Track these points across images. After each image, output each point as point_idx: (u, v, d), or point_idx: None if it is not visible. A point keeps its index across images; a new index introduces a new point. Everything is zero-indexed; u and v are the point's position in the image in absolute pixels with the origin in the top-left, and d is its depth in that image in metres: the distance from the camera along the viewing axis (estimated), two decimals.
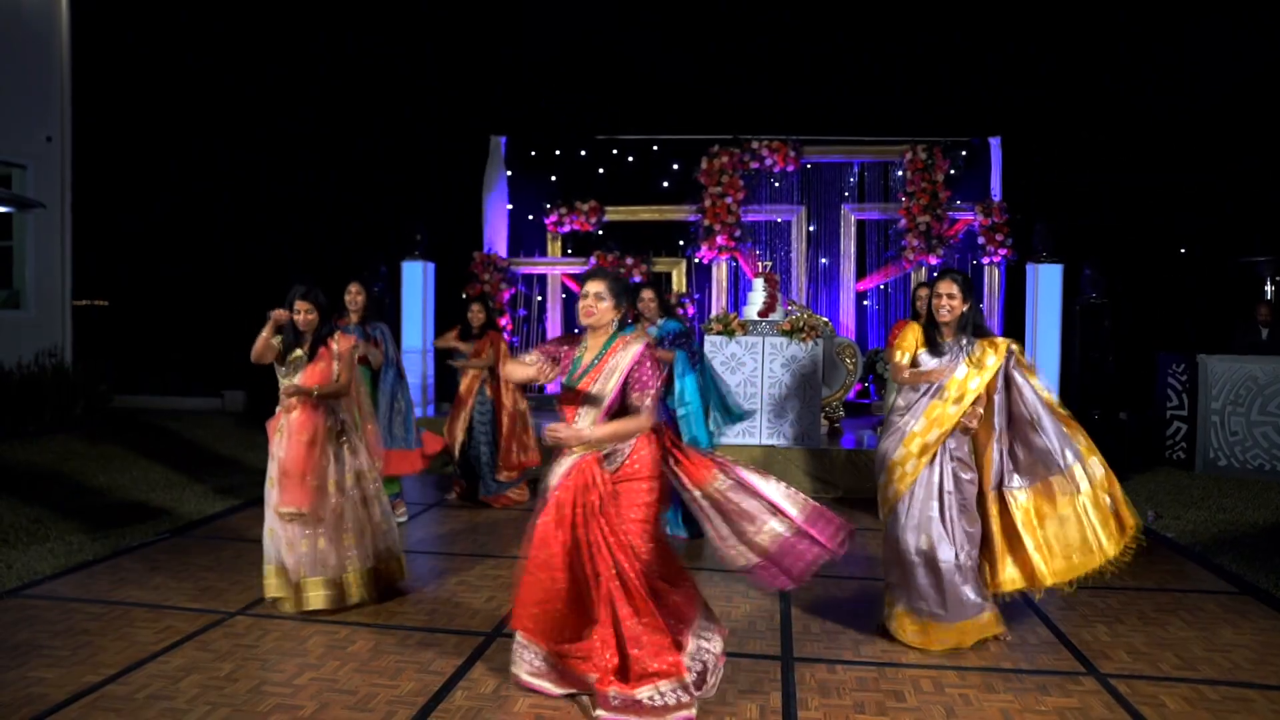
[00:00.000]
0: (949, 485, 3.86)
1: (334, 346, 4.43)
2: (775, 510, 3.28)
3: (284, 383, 4.40)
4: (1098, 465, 3.81)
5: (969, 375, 3.86)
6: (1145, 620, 4.34)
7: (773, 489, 3.31)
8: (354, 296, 5.92)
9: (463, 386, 6.81)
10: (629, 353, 3.29)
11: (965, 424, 3.85)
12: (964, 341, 3.93)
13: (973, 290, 3.97)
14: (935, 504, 3.85)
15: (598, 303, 3.31)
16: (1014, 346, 3.92)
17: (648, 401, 3.25)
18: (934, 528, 3.83)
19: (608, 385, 3.26)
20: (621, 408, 3.28)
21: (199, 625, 4.10)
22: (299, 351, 4.40)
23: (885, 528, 4.03)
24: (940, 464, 3.87)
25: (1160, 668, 3.76)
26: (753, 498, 3.29)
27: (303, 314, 4.37)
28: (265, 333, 4.26)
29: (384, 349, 6.02)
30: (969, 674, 3.67)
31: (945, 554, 3.80)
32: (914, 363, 4.00)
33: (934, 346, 3.97)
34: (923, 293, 6.22)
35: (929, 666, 3.75)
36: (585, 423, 3.27)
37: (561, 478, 3.32)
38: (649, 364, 3.28)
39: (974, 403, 3.86)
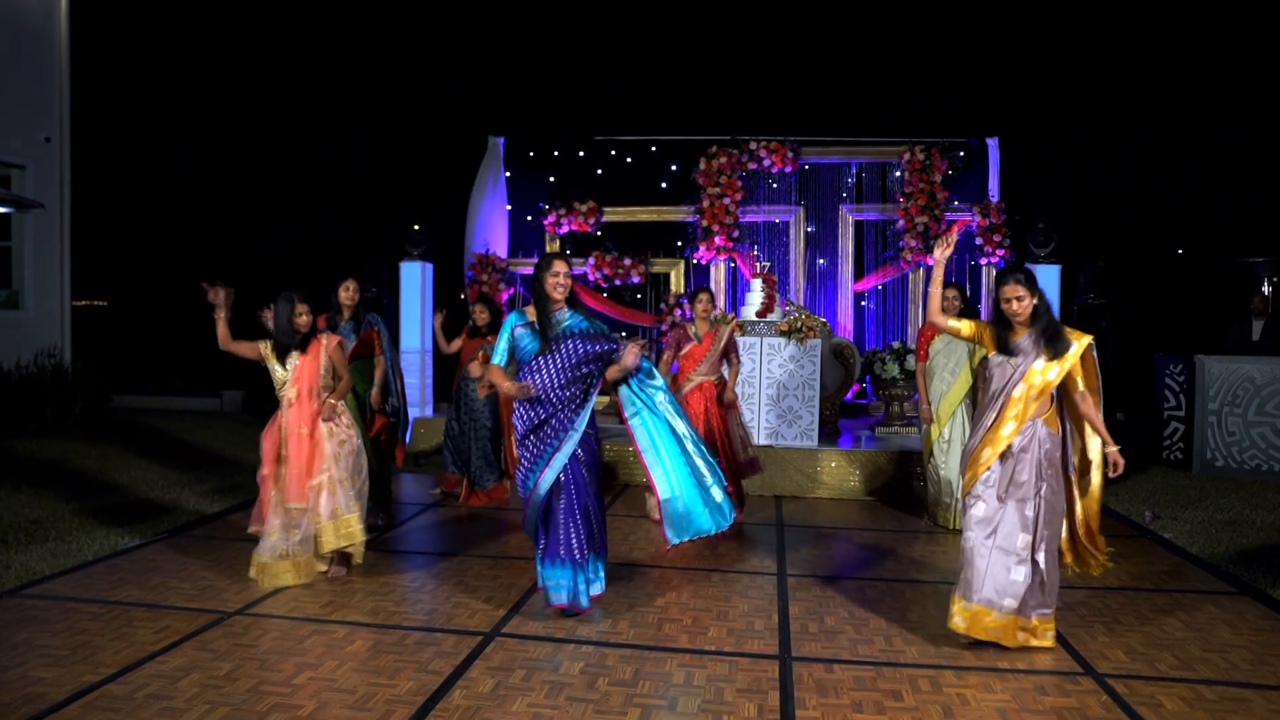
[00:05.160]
0: (1031, 479, 3.86)
1: (323, 342, 4.83)
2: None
3: (281, 379, 4.80)
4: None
5: (1046, 366, 3.83)
6: (1143, 620, 4.35)
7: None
8: (351, 294, 5.83)
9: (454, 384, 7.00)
10: (725, 331, 6.24)
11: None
12: (1037, 336, 3.87)
13: (1038, 284, 3.91)
14: (1014, 501, 3.87)
15: (710, 305, 6.22)
16: (1090, 343, 3.88)
17: (738, 352, 6.41)
18: (1009, 521, 3.85)
19: (718, 348, 6.19)
20: (720, 360, 6.27)
21: (198, 625, 4.10)
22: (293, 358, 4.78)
23: (965, 522, 4.01)
24: (1031, 460, 3.86)
25: (1158, 668, 3.77)
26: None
27: (303, 315, 4.75)
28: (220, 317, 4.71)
29: (381, 339, 5.89)
30: (967, 674, 3.68)
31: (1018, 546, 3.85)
32: (986, 370, 4.03)
33: (1005, 348, 3.93)
34: (948, 293, 6.13)
35: (927, 666, 3.76)
36: (705, 368, 6.16)
37: (691, 391, 6.15)
38: (733, 336, 6.34)
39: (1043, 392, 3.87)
